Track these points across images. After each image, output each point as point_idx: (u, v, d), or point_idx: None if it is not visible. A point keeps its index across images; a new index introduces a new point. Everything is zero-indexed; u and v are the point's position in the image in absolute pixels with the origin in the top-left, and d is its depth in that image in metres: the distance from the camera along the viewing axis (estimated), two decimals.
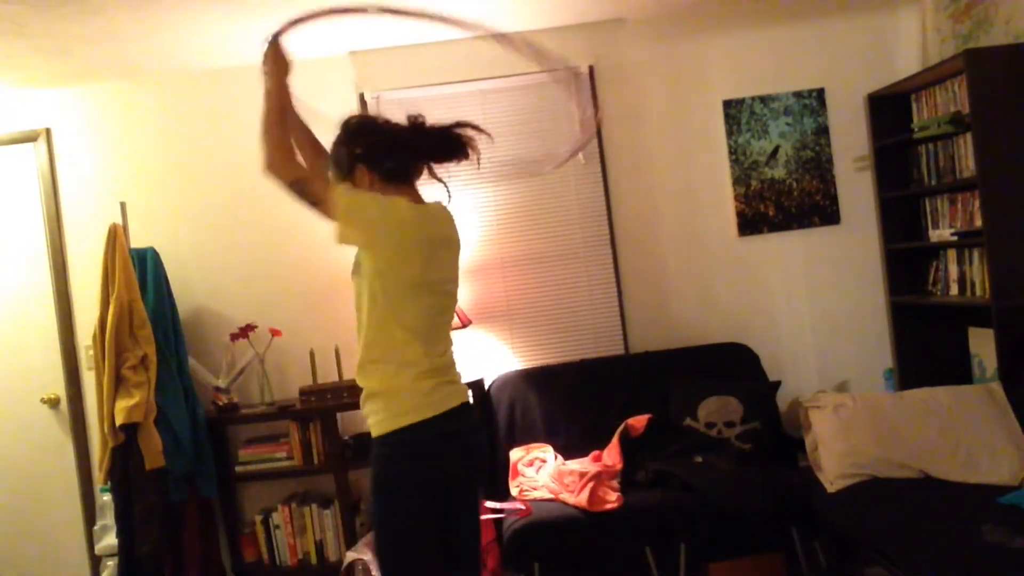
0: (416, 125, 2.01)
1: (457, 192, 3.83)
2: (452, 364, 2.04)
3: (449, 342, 2.05)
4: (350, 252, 1.98)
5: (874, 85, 3.87)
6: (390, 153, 1.98)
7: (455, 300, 2.08)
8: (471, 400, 2.33)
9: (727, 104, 3.88)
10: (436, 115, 3.74)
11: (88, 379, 3.73)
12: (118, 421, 3.14)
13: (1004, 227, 3.13)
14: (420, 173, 2.06)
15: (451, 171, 3.82)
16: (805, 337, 3.94)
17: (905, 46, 3.94)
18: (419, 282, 1.91)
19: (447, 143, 2.00)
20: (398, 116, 2.06)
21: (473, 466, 2.03)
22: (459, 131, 2.00)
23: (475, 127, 2.01)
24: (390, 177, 1.99)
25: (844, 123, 3.92)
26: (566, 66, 2.28)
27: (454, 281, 2.06)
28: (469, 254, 3.82)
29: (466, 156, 2.01)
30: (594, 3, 3.56)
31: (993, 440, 2.83)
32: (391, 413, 1.90)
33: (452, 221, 2.08)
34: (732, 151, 3.89)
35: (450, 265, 2.04)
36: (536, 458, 3.39)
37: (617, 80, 3.87)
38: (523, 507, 3.06)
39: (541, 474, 3.28)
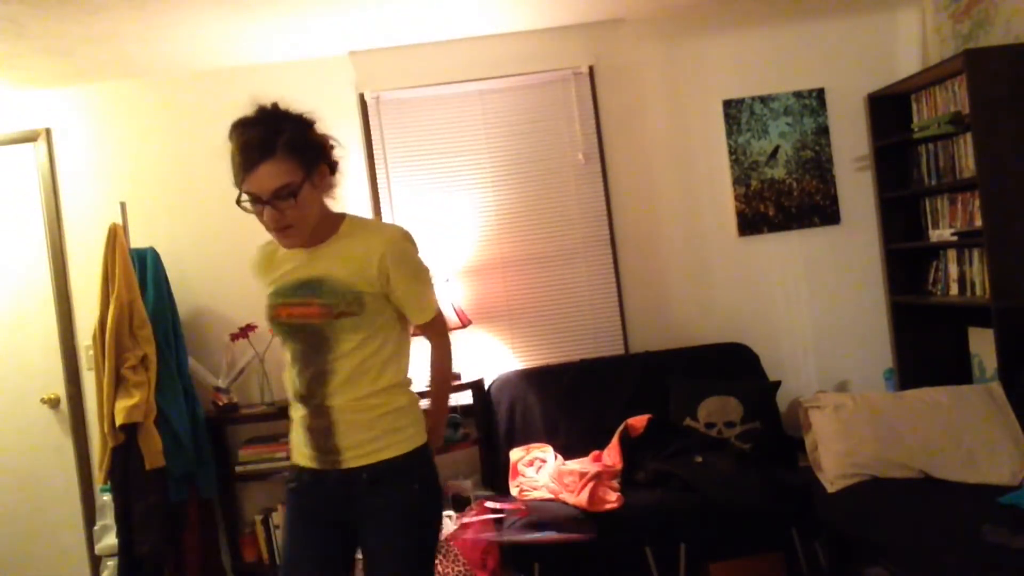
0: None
1: (457, 192, 3.83)
2: None
3: None
4: None
5: (874, 85, 3.87)
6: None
7: None
8: None
9: (727, 104, 3.88)
10: (436, 115, 3.79)
11: (88, 379, 3.73)
12: (118, 421, 3.14)
13: (1004, 227, 3.13)
14: None
15: (451, 171, 3.86)
16: (805, 337, 3.94)
17: (905, 46, 3.94)
18: None
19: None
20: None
21: None
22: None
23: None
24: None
25: (844, 123, 3.92)
26: None
27: None
28: (469, 254, 3.82)
29: None
30: (594, 3, 3.56)
31: (993, 440, 2.83)
32: (421, 427, 1.94)
33: None
34: (732, 151, 3.89)
35: None
36: (536, 458, 3.39)
37: (617, 80, 3.87)
38: (523, 507, 3.06)
39: (541, 474, 3.28)
